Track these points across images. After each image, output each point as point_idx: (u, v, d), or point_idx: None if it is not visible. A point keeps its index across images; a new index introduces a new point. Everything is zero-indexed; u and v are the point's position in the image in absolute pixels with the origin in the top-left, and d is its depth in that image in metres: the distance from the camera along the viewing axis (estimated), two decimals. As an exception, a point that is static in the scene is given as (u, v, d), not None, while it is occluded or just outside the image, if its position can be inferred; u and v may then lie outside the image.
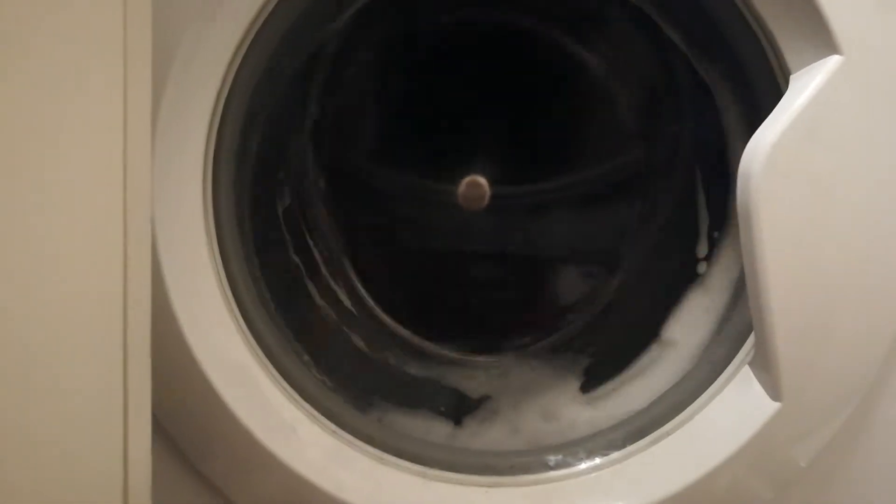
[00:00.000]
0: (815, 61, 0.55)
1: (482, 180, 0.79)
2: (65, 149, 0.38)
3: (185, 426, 0.59)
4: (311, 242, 0.80)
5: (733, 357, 0.62)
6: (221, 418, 0.57)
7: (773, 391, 0.57)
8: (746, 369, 0.60)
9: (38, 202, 0.37)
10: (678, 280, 0.71)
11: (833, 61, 0.54)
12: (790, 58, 0.56)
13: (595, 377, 0.73)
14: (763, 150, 0.54)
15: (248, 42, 0.57)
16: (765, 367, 0.58)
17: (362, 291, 0.82)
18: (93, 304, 0.39)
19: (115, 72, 0.37)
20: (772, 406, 0.57)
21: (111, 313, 0.40)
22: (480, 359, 0.81)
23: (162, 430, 0.59)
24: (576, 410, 0.70)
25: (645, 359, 0.70)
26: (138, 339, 0.41)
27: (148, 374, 0.42)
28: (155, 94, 0.52)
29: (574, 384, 0.73)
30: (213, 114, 0.57)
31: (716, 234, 0.70)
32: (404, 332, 0.81)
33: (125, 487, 0.41)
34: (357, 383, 0.71)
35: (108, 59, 0.37)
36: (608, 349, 0.77)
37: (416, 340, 0.81)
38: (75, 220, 0.38)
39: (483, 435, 0.71)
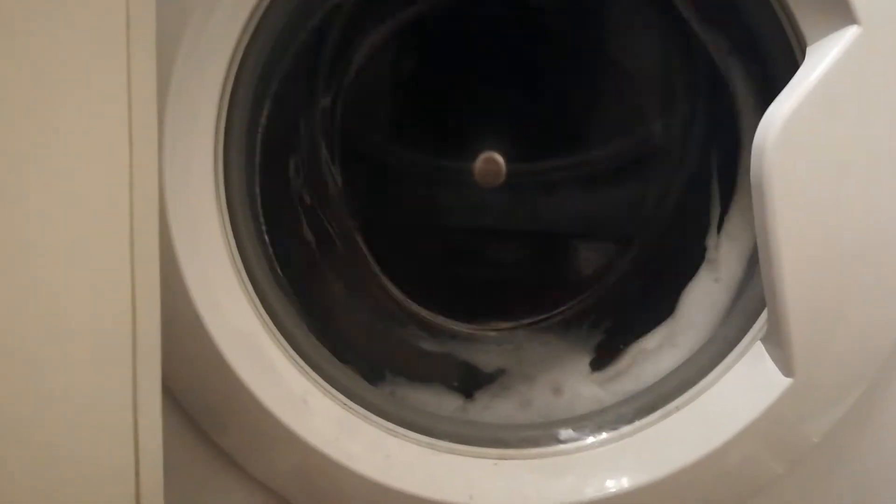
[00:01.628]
0: (832, 32, 0.54)
1: (498, 157, 0.78)
2: (69, 131, 0.38)
3: (199, 399, 0.60)
4: (324, 218, 0.81)
5: (746, 332, 0.61)
6: (234, 390, 0.58)
7: (786, 367, 0.57)
8: (759, 345, 0.60)
9: (41, 187, 0.37)
10: (691, 256, 0.70)
11: (851, 32, 0.53)
12: (807, 29, 0.55)
13: (608, 353, 0.73)
14: (778, 123, 0.53)
15: (258, 16, 0.57)
16: (777, 343, 0.57)
17: (375, 267, 0.82)
18: (100, 288, 0.39)
19: (119, 47, 0.37)
20: (784, 382, 0.57)
21: (120, 295, 0.40)
22: (493, 333, 0.81)
23: (175, 403, 0.60)
24: (587, 385, 0.70)
25: (657, 335, 0.70)
26: (147, 321, 0.41)
27: (157, 354, 0.42)
28: (165, 69, 0.53)
29: (587, 359, 0.74)
30: (224, 90, 0.57)
31: (726, 216, 0.69)
32: (417, 308, 0.82)
33: (137, 465, 0.42)
34: (369, 357, 0.71)
35: (111, 34, 0.38)
36: (621, 325, 0.77)
37: (429, 315, 0.81)
38: (80, 201, 0.38)
39: (494, 408, 0.71)
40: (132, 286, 0.40)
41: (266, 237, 0.65)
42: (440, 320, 0.81)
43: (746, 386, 0.60)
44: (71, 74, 0.37)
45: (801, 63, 0.55)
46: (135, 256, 0.39)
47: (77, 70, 0.37)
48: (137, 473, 0.42)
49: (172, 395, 0.59)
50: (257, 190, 0.64)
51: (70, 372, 0.39)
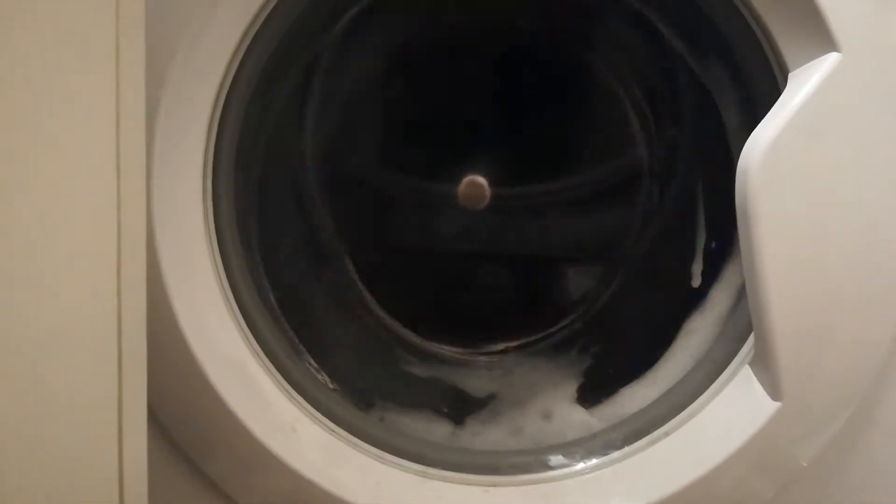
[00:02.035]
0: (813, 59, 0.55)
1: (482, 180, 0.79)
2: (57, 150, 0.38)
3: (186, 426, 0.60)
4: (312, 241, 0.81)
5: (734, 356, 0.62)
6: (221, 417, 0.57)
7: (774, 391, 0.57)
8: (747, 369, 0.60)
9: (29, 203, 0.37)
10: (679, 282, 0.70)
11: (832, 59, 0.54)
12: (789, 56, 0.56)
13: (597, 377, 0.73)
14: (761, 148, 0.54)
15: (247, 41, 0.57)
16: (765, 367, 0.58)
17: (364, 291, 0.82)
18: (86, 306, 0.39)
19: (108, 71, 0.38)
20: (772, 406, 0.57)
21: (105, 315, 0.40)
22: (482, 358, 0.81)
23: (163, 430, 0.59)
24: (577, 410, 0.70)
25: (646, 359, 0.70)
26: (133, 341, 0.41)
27: (143, 376, 0.42)
28: (154, 92, 0.53)
29: (576, 384, 0.74)
30: (213, 112, 0.57)
31: (713, 244, 0.69)
32: (406, 333, 0.81)
33: (121, 488, 0.41)
34: (358, 383, 0.71)
35: (101, 59, 0.38)
36: (610, 350, 0.77)
37: (418, 340, 0.81)
38: (68, 220, 0.39)
39: (484, 435, 0.71)
40: (118, 310, 0.40)
41: (254, 261, 0.65)
42: (429, 345, 0.81)
43: (735, 410, 0.60)
44: (58, 97, 0.38)
45: (783, 89, 0.56)
46: (121, 280, 0.39)
47: (64, 93, 0.38)
48: (122, 503, 0.42)
49: (159, 423, 0.59)
50: (246, 213, 0.64)
51: (53, 397, 0.39)
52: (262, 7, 0.57)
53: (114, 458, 0.41)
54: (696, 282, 0.69)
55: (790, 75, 0.56)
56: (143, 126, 0.40)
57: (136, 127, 0.39)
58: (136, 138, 0.39)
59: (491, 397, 0.75)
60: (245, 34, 0.57)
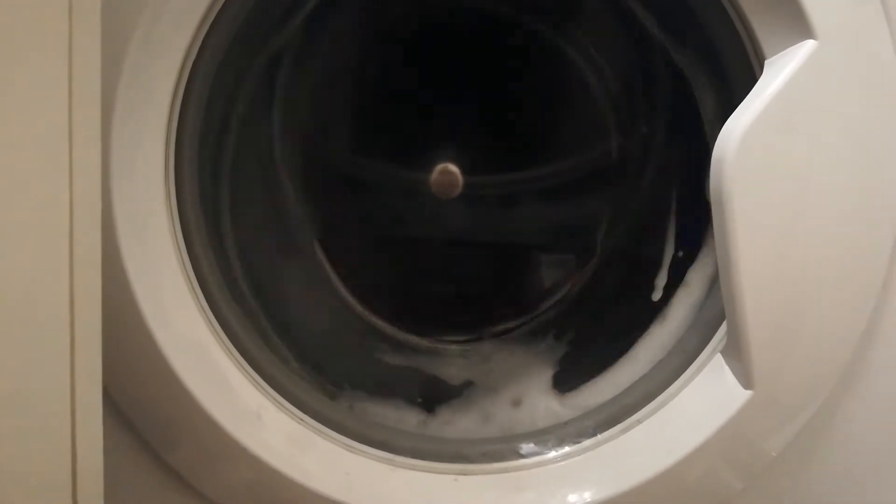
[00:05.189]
0: (790, 46, 0.55)
1: (455, 168, 0.78)
2: (7, 133, 0.36)
3: (147, 414, 0.58)
4: (281, 227, 0.79)
5: (706, 345, 0.62)
6: (183, 405, 0.56)
7: (745, 379, 0.57)
8: (718, 357, 0.60)
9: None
10: (652, 269, 0.70)
11: (808, 46, 0.54)
12: (765, 43, 0.56)
13: (571, 365, 0.73)
14: (736, 136, 0.54)
15: (210, 18, 0.56)
16: (737, 356, 0.58)
17: (334, 278, 0.81)
18: (36, 285, 0.38)
19: (61, 40, 0.36)
20: (743, 394, 0.57)
21: (56, 294, 0.38)
22: (455, 347, 0.80)
23: (122, 418, 0.58)
24: (550, 398, 0.70)
25: (620, 347, 0.70)
26: (87, 322, 0.40)
27: (98, 359, 0.40)
28: (114, 68, 0.51)
29: (550, 372, 0.73)
30: (175, 94, 0.56)
31: (681, 253, 0.69)
32: (377, 321, 0.81)
33: (74, 481, 0.40)
34: (327, 370, 0.70)
35: (53, 23, 0.36)
36: (584, 338, 0.77)
37: (390, 329, 0.80)
38: (14, 193, 0.37)
39: (456, 423, 0.70)
40: (70, 288, 0.38)
41: (220, 246, 0.63)
42: (401, 334, 0.80)
43: (706, 398, 0.60)
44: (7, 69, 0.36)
45: (759, 76, 0.56)
46: (74, 258, 0.38)
47: (14, 64, 0.36)
48: (75, 495, 0.40)
49: (118, 411, 0.57)
50: (210, 194, 0.63)
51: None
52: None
53: (66, 448, 0.39)
54: (657, 295, 0.69)
55: (766, 62, 0.56)
56: (98, 96, 0.39)
57: (92, 97, 0.38)
58: (90, 110, 0.38)
59: (468, 384, 0.74)
60: (209, 9, 0.55)
